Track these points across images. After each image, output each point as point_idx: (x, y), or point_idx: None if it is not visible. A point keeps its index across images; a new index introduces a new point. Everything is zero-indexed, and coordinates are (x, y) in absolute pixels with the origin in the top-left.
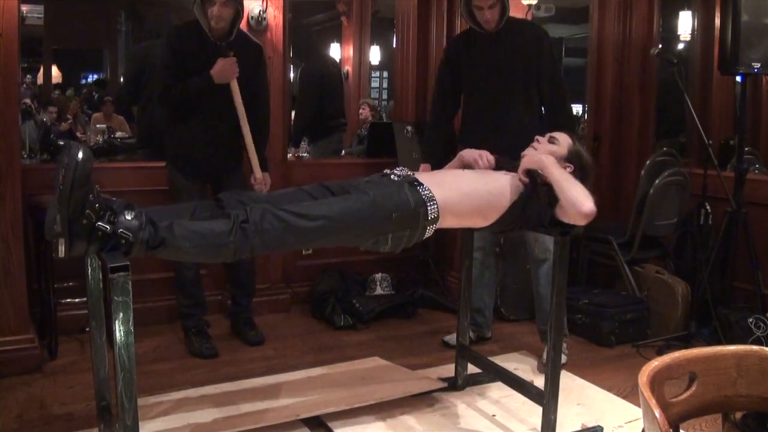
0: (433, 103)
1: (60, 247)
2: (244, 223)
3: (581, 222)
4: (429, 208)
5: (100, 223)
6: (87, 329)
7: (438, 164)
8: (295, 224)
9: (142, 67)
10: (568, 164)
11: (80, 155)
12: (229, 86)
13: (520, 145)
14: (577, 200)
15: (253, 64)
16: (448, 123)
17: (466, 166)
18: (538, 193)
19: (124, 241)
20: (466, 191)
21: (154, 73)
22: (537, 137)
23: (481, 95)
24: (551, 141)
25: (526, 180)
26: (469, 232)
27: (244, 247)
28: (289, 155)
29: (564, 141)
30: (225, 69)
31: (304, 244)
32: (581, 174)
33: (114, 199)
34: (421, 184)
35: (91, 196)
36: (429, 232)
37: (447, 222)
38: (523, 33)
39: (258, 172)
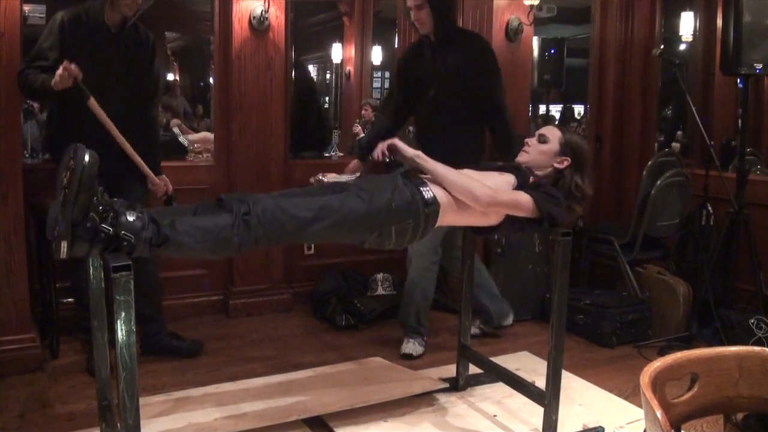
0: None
1: (62, 249)
2: (246, 215)
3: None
4: (424, 193)
5: (103, 225)
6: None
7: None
8: (297, 214)
9: None
10: (564, 158)
11: (87, 158)
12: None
13: (453, 154)
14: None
15: (140, 55)
16: (391, 124)
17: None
18: (543, 191)
19: (126, 243)
20: None
21: None
22: (527, 140)
23: (423, 103)
24: (541, 140)
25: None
26: (471, 233)
27: (247, 240)
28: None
29: (554, 135)
30: (61, 75)
31: (307, 237)
32: (577, 162)
33: (116, 200)
34: (414, 175)
35: (95, 198)
36: (431, 222)
37: (448, 218)
38: (467, 45)
39: (152, 176)
